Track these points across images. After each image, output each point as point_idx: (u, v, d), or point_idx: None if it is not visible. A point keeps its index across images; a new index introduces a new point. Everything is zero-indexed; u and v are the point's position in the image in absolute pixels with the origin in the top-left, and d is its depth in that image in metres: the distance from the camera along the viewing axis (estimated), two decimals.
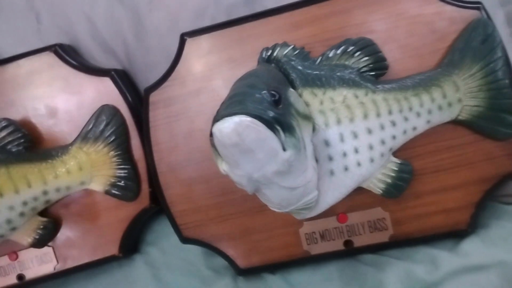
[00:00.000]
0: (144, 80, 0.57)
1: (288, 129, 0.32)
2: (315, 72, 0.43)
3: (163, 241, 0.59)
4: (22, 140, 0.50)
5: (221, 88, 0.49)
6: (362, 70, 0.43)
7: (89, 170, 0.51)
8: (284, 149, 0.31)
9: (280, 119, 0.31)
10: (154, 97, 0.50)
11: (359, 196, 0.46)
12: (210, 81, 0.49)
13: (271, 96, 0.33)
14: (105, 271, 0.56)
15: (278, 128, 0.31)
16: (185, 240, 0.51)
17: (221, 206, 0.50)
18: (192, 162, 0.50)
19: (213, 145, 0.33)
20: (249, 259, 0.50)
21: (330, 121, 0.41)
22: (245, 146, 0.30)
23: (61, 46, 0.54)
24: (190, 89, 0.50)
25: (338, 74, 0.43)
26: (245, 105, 0.31)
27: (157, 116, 0.50)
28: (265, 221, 0.49)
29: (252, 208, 0.49)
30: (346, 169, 0.42)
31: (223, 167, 0.35)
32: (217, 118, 0.31)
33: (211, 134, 0.32)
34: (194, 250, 0.57)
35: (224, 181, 0.49)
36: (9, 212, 0.49)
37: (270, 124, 0.30)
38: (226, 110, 0.31)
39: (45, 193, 0.50)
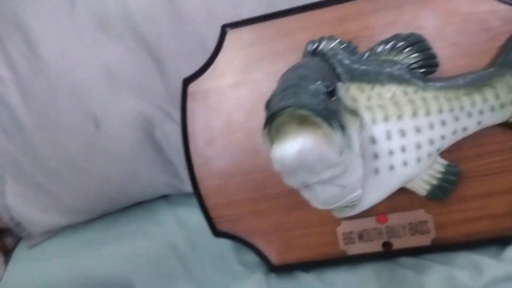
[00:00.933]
0: (176, 68, 0.56)
1: (343, 127, 0.31)
2: (362, 67, 0.42)
3: (193, 235, 0.59)
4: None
5: (261, 81, 0.48)
6: (411, 66, 0.42)
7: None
8: (340, 153, 0.31)
9: (336, 115, 0.31)
10: (192, 88, 0.50)
11: (401, 197, 0.45)
12: (250, 74, 0.48)
13: (325, 87, 0.32)
14: None
15: (336, 127, 0.30)
16: (218, 234, 0.50)
17: (256, 201, 0.49)
18: (228, 155, 0.49)
19: (265, 138, 0.32)
20: (283, 256, 0.49)
21: (377, 118, 0.40)
22: (305, 166, 0.30)
23: None
24: (229, 82, 0.49)
25: (387, 69, 0.41)
26: (300, 97, 0.30)
27: (194, 107, 0.50)
28: (301, 218, 0.48)
29: (288, 204, 0.48)
30: (391, 168, 0.40)
31: (274, 165, 0.34)
32: (272, 110, 0.30)
33: (265, 126, 0.31)
34: (225, 245, 0.56)
35: (261, 176, 0.48)
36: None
37: (330, 123, 0.30)
38: (281, 101, 0.30)
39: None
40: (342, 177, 0.33)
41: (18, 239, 0.67)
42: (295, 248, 0.49)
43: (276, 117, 0.30)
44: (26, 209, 0.63)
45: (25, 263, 0.63)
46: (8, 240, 0.67)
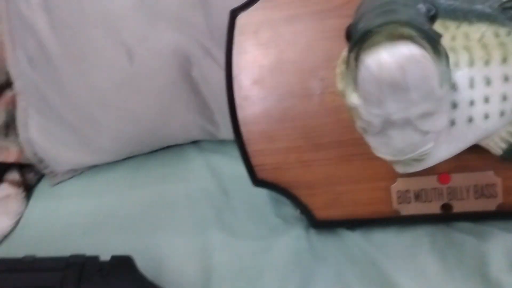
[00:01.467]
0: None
1: (447, 57, 0.26)
2: (449, 2, 0.36)
3: (227, 183, 0.55)
4: None
5: (323, 15, 0.42)
6: (505, 5, 0.36)
7: None
8: (440, 85, 0.26)
9: (442, 42, 0.26)
10: (241, 19, 0.45)
11: (470, 156, 0.40)
12: (310, 6, 0.43)
13: (427, 10, 0.27)
14: None
15: (442, 53, 0.25)
16: (258, 183, 0.46)
17: (304, 150, 0.45)
18: (276, 98, 0.44)
19: (348, 66, 0.27)
20: (327, 211, 0.45)
21: (461, 62, 0.35)
22: (404, 84, 0.25)
23: None
24: (285, 14, 0.44)
25: (477, 7, 0.36)
26: (403, 14, 0.25)
27: (242, 42, 0.45)
28: (352, 172, 0.44)
29: (338, 156, 0.44)
30: (470, 120, 0.36)
31: (353, 99, 0.29)
32: (366, 27, 0.25)
33: (351, 48, 0.26)
34: (261, 197, 0.53)
35: (311, 123, 0.44)
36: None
37: (436, 48, 0.24)
38: (377, 18, 0.25)
39: None
40: (430, 120, 0.28)
41: (40, 176, 0.64)
42: (341, 203, 0.45)
43: (371, 36, 0.25)
44: (50, 145, 0.60)
45: (46, 200, 0.60)
46: (30, 176, 0.64)
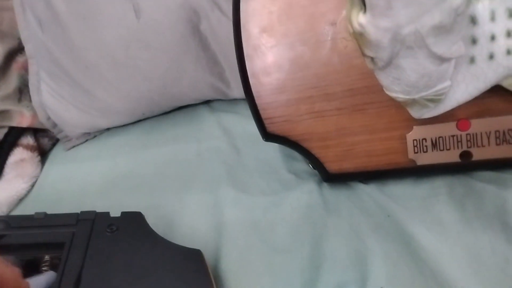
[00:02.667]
0: None
1: None
2: None
3: (238, 142, 0.54)
4: None
5: None
6: None
7: None
8: None
9: None
10: None
11: (490, 99, 0.38)
12: None
13: None
14: None
15: None
16: (268, 137, 0.45)
17: (316, 100, 0.43)
18: (286, 46, 0.43)
19: None
20: (340, 164, 0.44)
21: None
22: None
23: None
24: None
25: None
26: None
27: None
28: (366, 121, 0.42)
29: (351, 105, 0.42)
30: (491, 57, 0.33)
31: (360, 19, 0.27)
32: None
33: None
34: (272, 153, 0.52)
35: (322, 71, 0.42)
36: None
37: None
38: None
39: None
40: (444, 41, 0.26)
41: (55, 141, 0.65)
42: (355, 155, 0.43)
43: None
44: (63, 108, 0.59)
45: (61, 164, 0.61)
46: (45, 142, 0.64)
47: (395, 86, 0.31)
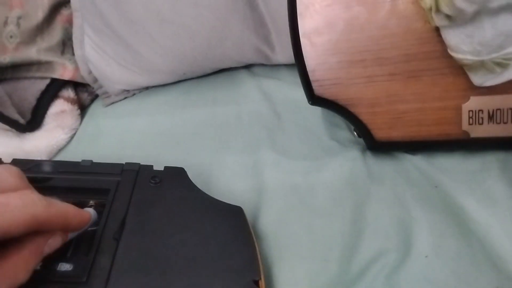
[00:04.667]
0: None
1: None
2: None
3: (279, 107, 0.53)
4: None
5: None
6: None
7: None
8: None
9: None
10: None
11: None
12: None
13: None
14: None
15: None
16: (315, 100, 0.44)
17: (368, 64, 0.42)
18: (342, 5, 0.41)
19: None
20: (388, 131, 0.43)
21: None
22: None
23: None
24: None
25: None
26: None
27: None
28: (419, 89, 0.41)
29: (405, 71, 0.41)
30: None
31: None
32: None
33: None
34: (315, 120, 0.51)
35: (378, 34, 0.41)
36: None
37: None
38: None
39: None
40: None
41: (94, 97, 0.65)
42: (404, 123, 0.42)
43: None
44: (105, 63, 0.59)
45: (100, 119, 0.61)
46: (84, 96, 0.64)
47: (465, 46, 0.30)
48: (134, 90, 0.62)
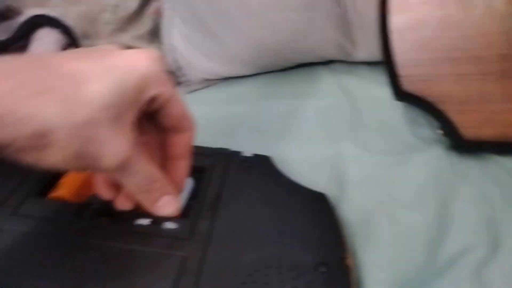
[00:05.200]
0: None
1: None
2: None
3: (359, 102, 0.54)
4: None
5: None
6: None
7: None
8: None
9: None
10: None
11: None
12: None
13: None
14: None
15: None
16: (401, 95, 0.45)
17: (460, 62, 0.42)
18: (437, 2, 0.42)
19: None
20: (477, 131, 0.43)
21: None
22: None
23: None
24: None
25: None
26: None
27: None
28: None
29: (500, 70, 0.41)
30: None
31: None
32: None
33: None
34: (396, 117, 0.51)
35: (472, 32, 0.41)
36: None
37: None
38: None
39: None
40: None
41: (175, 84, 0.69)
42: (494, 123, 0.42)
43: None
44: (191, 52, 0.63)
45: None
46: None
47: None
48: (215, 79, 0.65)
